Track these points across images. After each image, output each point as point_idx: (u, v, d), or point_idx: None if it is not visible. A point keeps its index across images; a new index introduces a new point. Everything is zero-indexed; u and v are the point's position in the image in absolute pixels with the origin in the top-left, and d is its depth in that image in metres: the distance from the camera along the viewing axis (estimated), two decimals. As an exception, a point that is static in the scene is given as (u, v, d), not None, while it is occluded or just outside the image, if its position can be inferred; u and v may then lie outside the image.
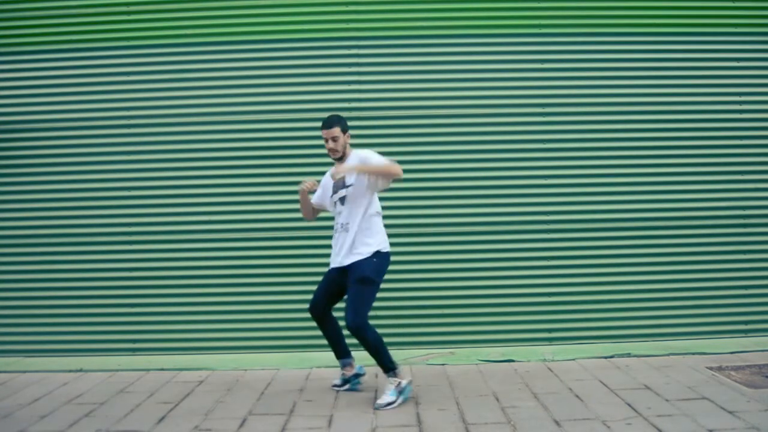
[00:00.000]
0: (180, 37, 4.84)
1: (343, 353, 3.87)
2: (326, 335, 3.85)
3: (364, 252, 3.64)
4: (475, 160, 4.81)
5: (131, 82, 4.84)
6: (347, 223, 3.68)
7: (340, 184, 3.74)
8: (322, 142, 4.69)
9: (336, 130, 3.66)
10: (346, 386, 3.88)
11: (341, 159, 3.72)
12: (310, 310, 3.82)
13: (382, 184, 3.67)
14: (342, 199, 3.72)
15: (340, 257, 3.69)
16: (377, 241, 3.68)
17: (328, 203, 3.86)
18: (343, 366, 3.89)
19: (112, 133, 4.84)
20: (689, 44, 4.87)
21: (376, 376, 4.21)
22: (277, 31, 4.84)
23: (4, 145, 4.85)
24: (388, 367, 3.65)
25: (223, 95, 4.83)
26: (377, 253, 3.65)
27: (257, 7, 4.84)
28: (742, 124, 4.88)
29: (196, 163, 4.82)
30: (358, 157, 3.69)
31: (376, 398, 3.72)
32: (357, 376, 3.90)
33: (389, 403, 3.56)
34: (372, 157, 3.64)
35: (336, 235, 3.77)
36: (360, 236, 3.66)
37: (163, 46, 4.84)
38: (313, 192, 3.90)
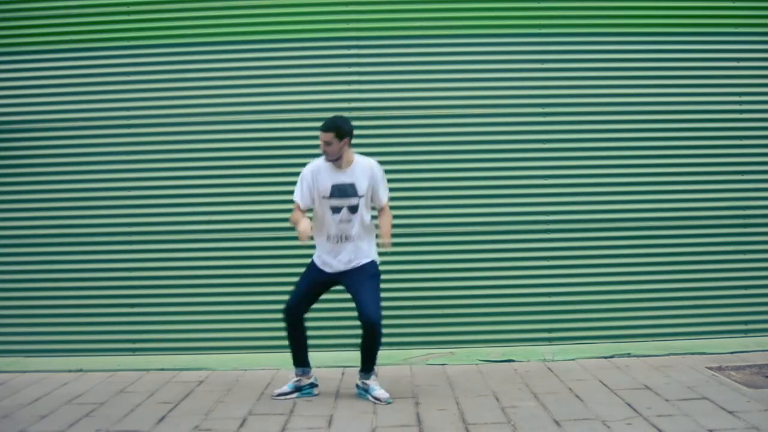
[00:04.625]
0: (180, 37, 4.83)
1: (306, 360, 3.83)
2: (298, 339, 3.78)
3: (368, 256, 3.72)
4: (475, 160, 4.81)
5: (131, 82, 4.84)
6: (358, 234, 3.67)
7: (348, 191, 3.63)
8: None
9: (329, 136, 3.57)
10: (296, 394, 3.77)
11: (337, 161, 3.65)
12: (289, 312, 3.74)
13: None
14: (352, 208, 3.65)
15: (344, 264, 3.68)
16: (374, 249, 3.79)
17: (317, 203, 3.70)
18: (304, 374, 3.83)
19: (112, 133, 4.84)
20: (689, 44, 4.86)
21: (376, 376, 4.21)
22: (277, 31, 4.84)
23: (4, 145, 4.85)
24: (373, 366, 3.74)
25: (223, 95, 4.82)
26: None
27: (257, 7, 4.83)
28: (742, 124, 4.87)
29: (196, 163, 4.82)
30: (366, 171, 3.67)
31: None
32: (313, 385, 3.85)
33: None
34: (383, 181, 3.71)
35: (335, 244, 3.68)
36: (365, 243, 3.72)
37: (163, 46, 4.83)
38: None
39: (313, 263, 3.81)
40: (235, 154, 4.80)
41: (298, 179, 3.75)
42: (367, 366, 3.72)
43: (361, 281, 3.64)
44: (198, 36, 4.83)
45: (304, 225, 3.54)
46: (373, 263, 3.74)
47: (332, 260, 3.71)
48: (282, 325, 4.73)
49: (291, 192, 4.73)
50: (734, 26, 4.87)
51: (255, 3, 4.83)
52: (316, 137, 4.68)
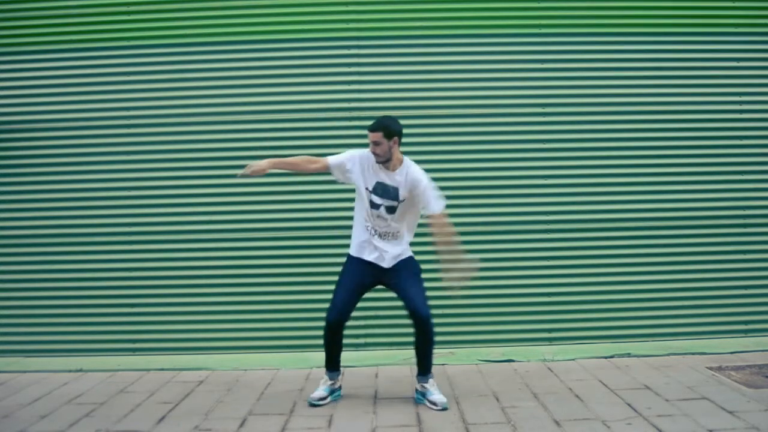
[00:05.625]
0: (180, 37, 4.83)
1: (339, 365, 3.76)
2: (336, 346, 3.66)
3: (408, 252, 3.69)
4: (475, 160, 4.80)
5: (131, 82, 4.84)
6: (397, 232, 3.61)
7: (390, 192, 3.56)
8: (322, 142, 4.75)
9: (378, 135, 3.48)
10: (329, 399, 3.68)
11: (386, 163, 3.57)
12: (334, 323, 3.55)
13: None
14: (390, 209, 3.58)
15: (386, 261, 3.58)
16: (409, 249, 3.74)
17: (360, 191, 3.63)
18: (336, 378, 3.76)
19: (112, 133, 4.83)
20: (689, 44, 4.86)
21: (376, 376, 4.22)
22: (277, 31, 4.83)
23: (4, 145, 4.84)
24: (430, 367, 3.63)
25: (223, 95, 4.82)
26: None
27: (257, 7, 4.83)
28: (742, 124, 4.87)
29: (196, 163, 4.81)
30: (410, 176, 3.56)
31: (376, 398, 3.73)
32: (340, 387, 3.81)
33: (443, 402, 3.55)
34: (428, 188, 3.56)
35: (376, 239, 3.59)
36: (407, 244, 3.68)
37: (163, 46, 4.83)
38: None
39: (350, 261, 3.67)
40: (235, 154, 4.79)
41: (345, 152, 3.67)
42: (423, 368, 3.61)
43: (406, 277, 3.57)
44: (198, 36, 4.83)
45: (264, 164, 3.59)
46: (414, 260, 3.68)
47: (369, 249, 3.61)
48: (283, 325, 4.77)
49: (291, 192, 4.76)
50: (734, 26, 4.87)
51: (255, 3, 4.83)
52: (315, 137, 4.76)
